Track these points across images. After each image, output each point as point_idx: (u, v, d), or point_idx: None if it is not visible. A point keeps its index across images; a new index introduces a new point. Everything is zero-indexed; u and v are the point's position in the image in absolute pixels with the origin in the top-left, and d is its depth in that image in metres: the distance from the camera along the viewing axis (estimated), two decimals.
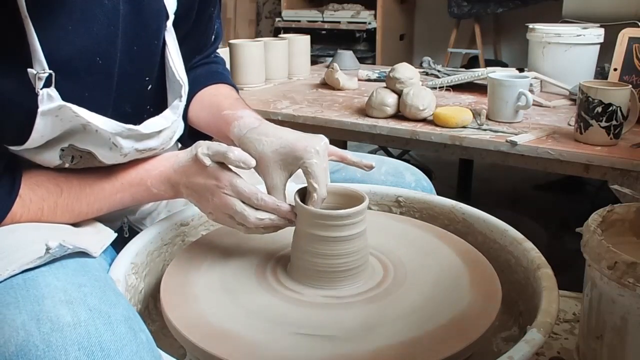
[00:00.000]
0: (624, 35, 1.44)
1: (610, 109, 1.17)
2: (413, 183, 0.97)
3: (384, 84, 1.51)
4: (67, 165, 0.71)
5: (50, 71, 0.61)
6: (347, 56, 2.20)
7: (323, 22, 3.54)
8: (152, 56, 0.75)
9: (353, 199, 0.70)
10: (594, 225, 0.63)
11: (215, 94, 0.90)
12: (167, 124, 0.76)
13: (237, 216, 0.68)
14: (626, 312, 0.56)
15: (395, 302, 0.64)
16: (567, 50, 1.66)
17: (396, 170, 0.99)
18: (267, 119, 1.75)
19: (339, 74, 1.80)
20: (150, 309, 0.75)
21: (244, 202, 0.68)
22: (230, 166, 0.69)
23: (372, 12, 3.44)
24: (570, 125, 1.35)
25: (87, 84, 0.67)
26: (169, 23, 0.76)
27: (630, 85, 1.21)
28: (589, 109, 1.20)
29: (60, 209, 0.70)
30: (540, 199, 2.55)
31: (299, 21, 3.59)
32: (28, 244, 0.61)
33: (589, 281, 0.62)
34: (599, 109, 1.18)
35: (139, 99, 0.75)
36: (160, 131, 0.75)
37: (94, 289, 0.57)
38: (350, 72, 2.00)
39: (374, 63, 3.35)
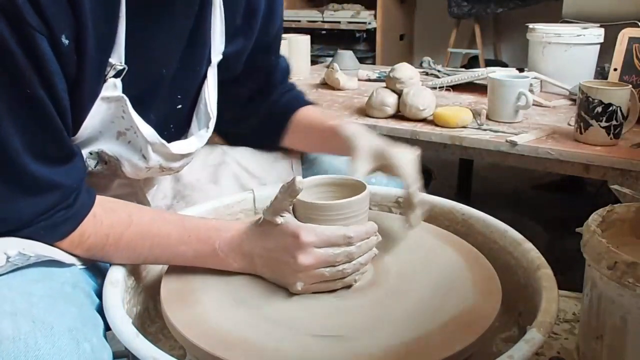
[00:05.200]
0: (624, 35, 1.44)
1: (610, 109, 1.17)
2: (384, 180, 0.96)
3: (384, 84, 1.51)
4: (89, 168, 0.72)
5: (125, 65, 0.66)
6: (347, 56, 2.20)
7: (323, 22, 3.54)
8: (190, 80, 0.80)
9: (354, 189, 0.69)
10: (594, 225, 0.63)
11: (308, 114, 0.95)
12: (191, 149, 0.80)
13: (340, 258, 0.62)
14: (626, 312, 0.56)
15: (395, 302, 0.64)
16: (567, 50, 1.66)
17: None
18: None
19: (339, 74, 1.80)
20: (150, 309, 0.75)
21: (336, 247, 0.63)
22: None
23: (372, 12, 3.44)
24: (570, 125, 1.35)
25: (141, 88, 0.71)
26: (214, 60, 0.81)
27: (630, 85, 1.21)
28: (589, 109, 1.20)
29: (124, 242, 0.66)
30: (540, 199, 2.55)
31: (299, 21, 3.59)
32: None
33: (589, 281, 0.62)
34: (599, 109, 1.18)
35: (165, 114, 0.78)
36: (183, 155, 0.79)
37: (43, 299, 0.58)
38: (350, 72, 1.99)
39: (374, 63, 3.35)
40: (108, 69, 0.66)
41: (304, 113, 0.96)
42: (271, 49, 0.96)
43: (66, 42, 0.58)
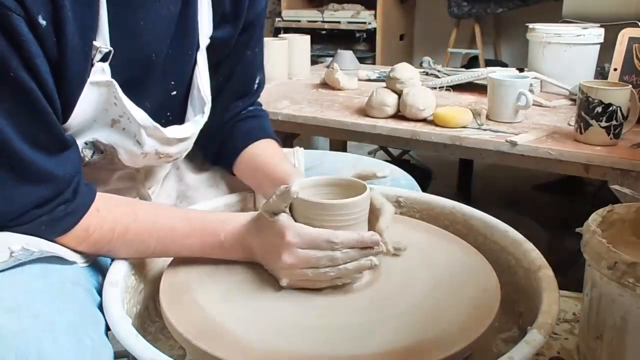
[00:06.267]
0: (624, 35, 1.44)
1: (610, 109, 1.17)
2: (389, 182, 0.96)
3: (384, 84, 1.51)
4: (86, 159, 0.72)
5: (111, 48, 0.66)
6: (347, 56, 2.20)
7: (323, 22, 3.54)
8: (182, 65, 0.79)
9: (355, 190, 0.69)
10: (594, 225, 0.63)
11: (259, 154, 0.89)
12: (187, 134, 0.80)
13: (322, 261, 0.62)
14: (626, 312, 0.56)
15: (395, 302, 0.64)
16: (567, 50, 1.66)
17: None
18: None
19: (339, 74, 1.80)
20: (150, 309, 0.75)
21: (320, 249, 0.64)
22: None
23: (372, 12, 3.44)
24: (570, 125, 1.35)
25: (131, 73, 0.70)
26: (202, 44, 0.80)
27: (630, 85, 1.21)
28: (589, 109, 1.20)
29: (130, 235, 0.67)
30: (540, 199, 2.55)
31: (299, 21, 3.58)
32: None
33: (589, 281, 0.62)
34: (599, 109, 1.18)
35: (161, 101, 0.77)
36: (179, 140, 0.79)
37: (44, 295, 0.58)
38: (350, 72, 1.99)
39: (374, 63, 3.35)
40: (94, 52, 0.65)
41: (258, 149, 0.90)
42: (251, 37, 0.89)
43: (43, 22, 0.58)
